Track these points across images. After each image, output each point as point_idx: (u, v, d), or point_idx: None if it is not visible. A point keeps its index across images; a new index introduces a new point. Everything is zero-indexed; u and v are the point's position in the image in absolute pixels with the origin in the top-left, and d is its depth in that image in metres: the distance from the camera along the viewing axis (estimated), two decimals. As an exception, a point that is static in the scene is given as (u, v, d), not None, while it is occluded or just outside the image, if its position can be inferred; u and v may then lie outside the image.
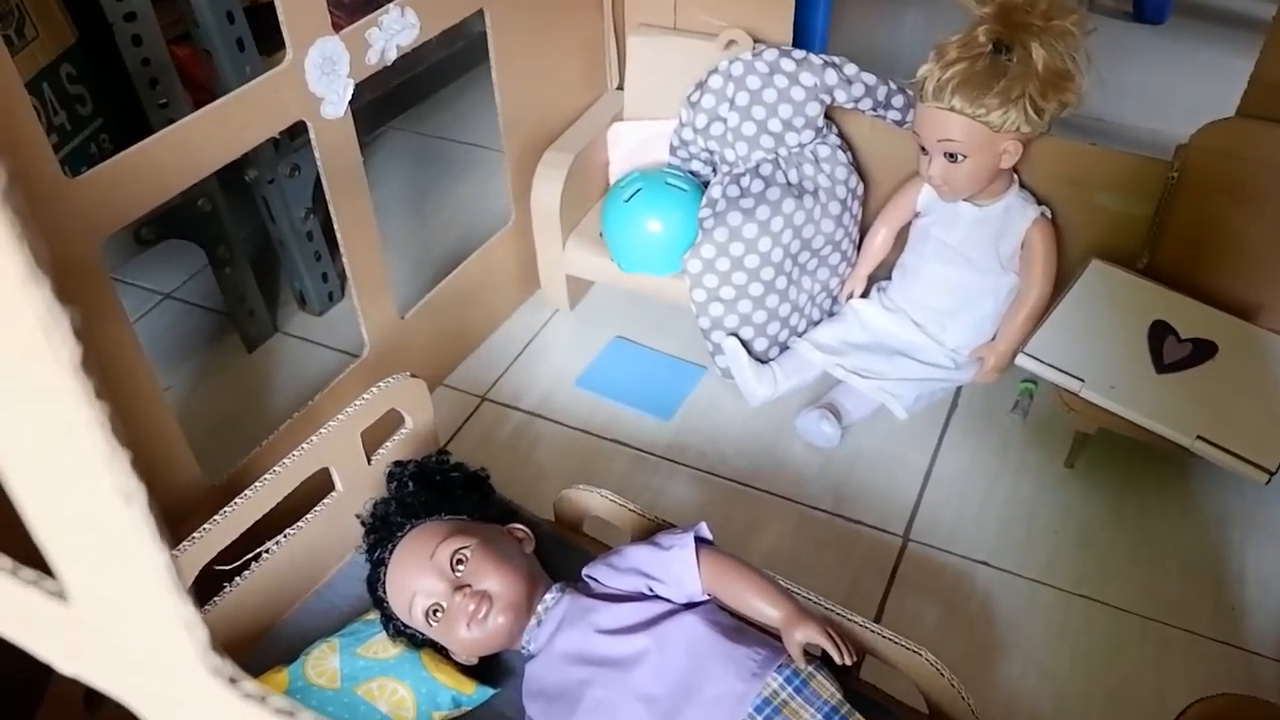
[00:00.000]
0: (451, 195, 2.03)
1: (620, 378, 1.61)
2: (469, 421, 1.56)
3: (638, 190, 1.54)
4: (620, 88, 1.72)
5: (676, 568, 0.99)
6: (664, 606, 0.98)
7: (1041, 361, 1.32)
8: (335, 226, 1.30)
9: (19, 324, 0.20)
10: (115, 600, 0.27)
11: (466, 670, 1.04)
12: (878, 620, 1.24)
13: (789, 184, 1.46)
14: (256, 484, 1.03)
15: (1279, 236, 1.32)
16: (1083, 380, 1.29)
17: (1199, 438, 1.22)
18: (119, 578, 0.26)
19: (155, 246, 1.50)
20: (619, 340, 1.68)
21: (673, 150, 1.60)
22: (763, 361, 1.50)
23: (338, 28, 1.17)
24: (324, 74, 1.17)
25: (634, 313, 1.71)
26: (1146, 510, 1.38)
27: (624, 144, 1.68)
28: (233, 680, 0.27)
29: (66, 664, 0.30)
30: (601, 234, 1.61)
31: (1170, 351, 1.32)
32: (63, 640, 0.30)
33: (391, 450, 1.17)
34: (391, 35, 1.24)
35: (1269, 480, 1.20)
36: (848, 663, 0.93)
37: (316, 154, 1.22)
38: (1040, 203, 1.42)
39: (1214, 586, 1.29)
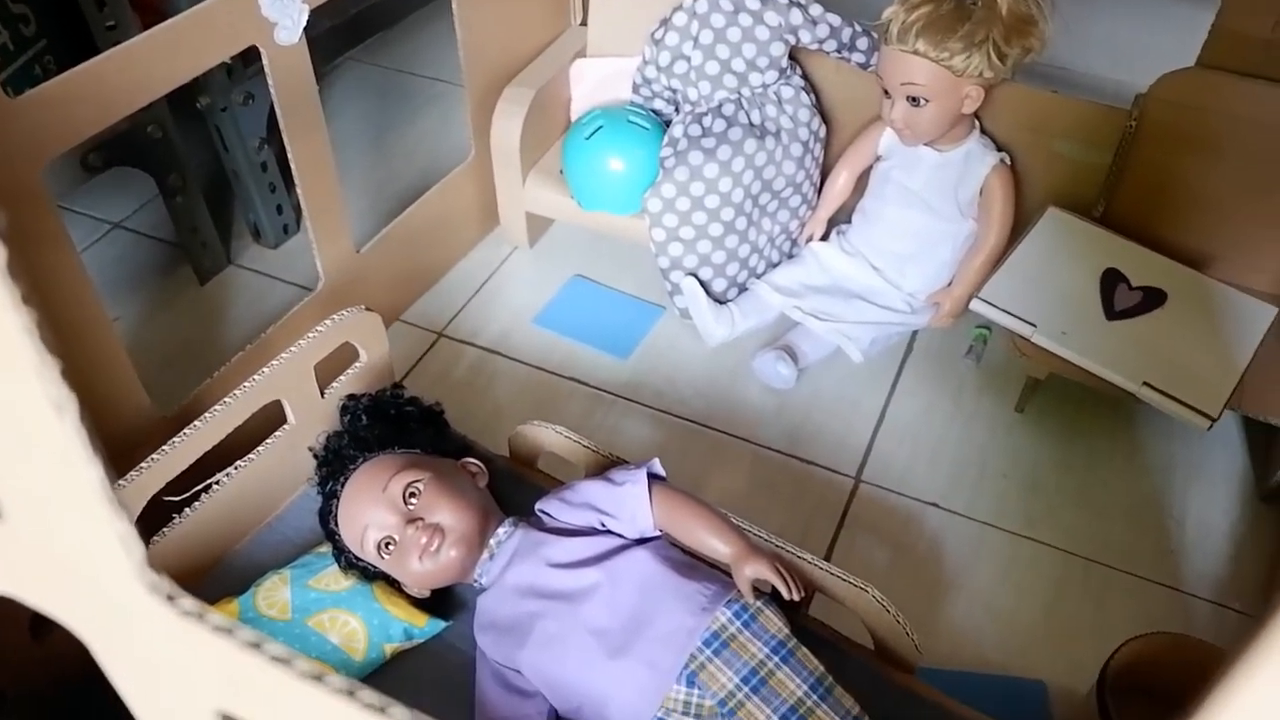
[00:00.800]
0: (411, 129, 1.99)
1: (578, 316, 1.61)
2: (425, 357, 1.55)
3: (599, 128, 1.52)
4: (584, 24, 1.70)
5: (629, 503, 0.99)
6: (616, 541, 0.99)
7: (995, 306, 1.33)
8: (290, 157, 1.27)
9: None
10: (50, 515, 0.27)
11: (418, 603, 1.05)
12: (828, 559, 1.26)
13: (751, 124, 1.45)
14: (206, 414, 1.01)
15: (1233, 187, 1.34)
16: (1035, 325, 1.30)
17: (1145, 384, 1.24)
18: (53, 491, 0.26)
19: (103, 174, 1.46)
20: (578, 278, 1.67)
21: (635, 88, 1.58)
22: (721, 302, 1.50)
23: (292, -50, 1.14)
24: (278, -2, 1.14)
25: (593, 251, 1.70)
26: (1094, 455, 1.41)
27: (586, 81, 1.66)
28: (170, 597, 0.27)
29: (1, 582, 0.30)
30: (562, 171, 1.59)
31: (1121, 299, 1.33)
32: (-3, 557, 0.29)
33: (345, 384, 1.16)
34: (348, -40, 1.21)
35: (1211, 427, 1.22)
36: (796, 598, 0.94)
37: (270, 81, 1.19)
38: (1000, 149, 1.42)
39: (1156, 530, 1.32)
